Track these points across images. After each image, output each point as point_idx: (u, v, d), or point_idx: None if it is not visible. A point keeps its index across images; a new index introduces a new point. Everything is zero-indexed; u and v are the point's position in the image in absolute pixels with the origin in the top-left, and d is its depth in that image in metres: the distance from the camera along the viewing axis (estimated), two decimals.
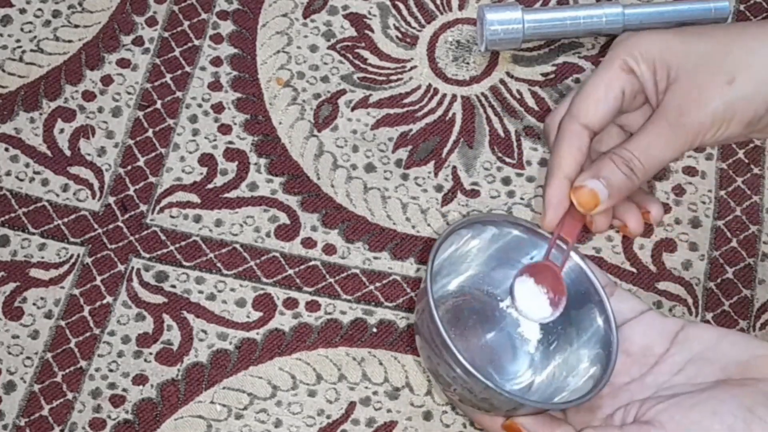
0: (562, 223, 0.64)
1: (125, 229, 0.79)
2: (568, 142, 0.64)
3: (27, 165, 0.81)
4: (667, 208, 0.80)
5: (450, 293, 0.69)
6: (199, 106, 0.83)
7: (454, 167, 0.81)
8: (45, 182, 0.80)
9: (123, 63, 0.84)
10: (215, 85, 0.83)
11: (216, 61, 0.84)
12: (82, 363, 0.75)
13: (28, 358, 0.75)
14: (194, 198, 0.80)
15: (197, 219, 0.79)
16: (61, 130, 0.82)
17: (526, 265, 0.66)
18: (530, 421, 0.62)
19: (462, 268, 0.68)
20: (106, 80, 0.83)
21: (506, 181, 0.81)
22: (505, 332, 0.69)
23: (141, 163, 0.81)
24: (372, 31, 0.86)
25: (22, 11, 0.86)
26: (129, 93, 0.83)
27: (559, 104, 0.68)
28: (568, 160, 0.64)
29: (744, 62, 0.62)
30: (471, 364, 0.60)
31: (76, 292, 0.77)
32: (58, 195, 0.80)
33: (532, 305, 0.65)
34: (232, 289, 0.77)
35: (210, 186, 0.80)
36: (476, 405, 0.63)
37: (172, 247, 0.78)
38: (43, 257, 0.78)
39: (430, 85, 0.84)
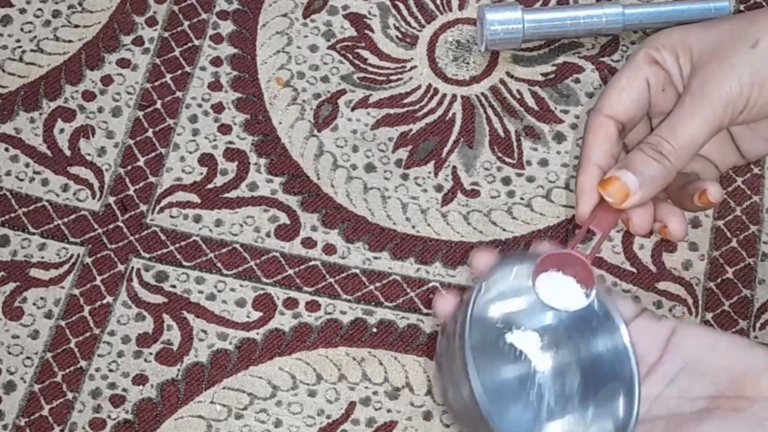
0: (595, 215, 0.61)
1: (125, 229, 0.79)
2: (594, 133, 0.61)
3: (27, 165, 0.81)
4: None
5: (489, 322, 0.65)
6: (199, 106, 0.83)
7: (454, 167, 0.81)
8: (45, 182, 0.80)
9: (123, 63, 0.84)
10: (215, 85, 0.83)
11: (216, 61, 0.84)
12: (82, 363, 0.75)
13: (28, 358, 0.75)
14: (194, 198, 0.80)
15: (197, 219, 0.79)
16: (61, 130, 0.82)
17: (547, 254, 0.60)
18: None
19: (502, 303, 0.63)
20: (106, 80, 0.83)
21: (506, 181, 0.81)
22: (527, 373, 0.66)
23: (141, 163, 0.81)
24: (372, 31, 0.86)
25: (22, 11, 0.86)
26: (129, 93, 0.83)
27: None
28: (595, 149, 0.61)
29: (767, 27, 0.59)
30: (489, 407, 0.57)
31: (76, 292, 0.77)
32: (58, 195, 0.80)
33: (560, 293, 0.60)
34: (232, 289, 0.77)
35: (210, 186, 0.80)
36: None
37: (172, 247, 0.78)
38: (43, 257, 0.78)
39: (430, 85, 0.84)
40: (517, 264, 0.61)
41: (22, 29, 0.85)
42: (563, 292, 0.61)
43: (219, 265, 0.78)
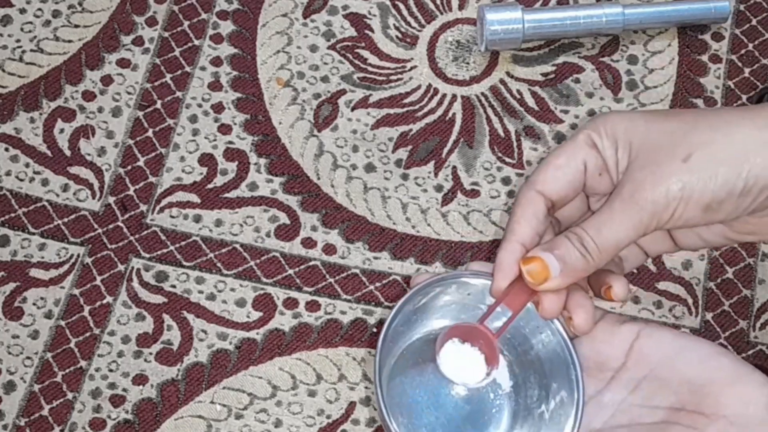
0: (509, 291, 0.60)
1: (125, 229, 0.79)
2: (522, 208, 0.61)
3: (27, 165, 0.81)
4: None
5: (418, 342, 0.66)
6: (199, 106, 0.83)
7: (454, 167, 0.81)
8: (45, 182, 0.80)
9: (123, 63, 0.84)
10: (215, 85, 0.83)
11: (216, 61, 0.84)
12: (82, 363, 0.75)
13: (28, 358, 0.75)
14: (194, 198, 0.80)
15: (197, 219, 0.79)
16: (61, 130, 0.82)
17: (455, 325, 0.61)
18: None
19: (427, 320, 0.64)
20: (106, 80, 0.83)
21: (506, 181, 0.81)
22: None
23: (141, 163, 0.81)
24: (372, 31, 0.86)
25: (22, 11, 0.86)
26: (129, 93, 0.83)
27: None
28: (522, 224, 0.60)
29: (703, 139, 0.58)
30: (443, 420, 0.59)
31: (76, 292, 0.77)
32: (58, 195, 0.80)
33: (462, 366, 0.60)
34: (232, 289, 0.77)
35: (210, 186, 0.80)
36: None
37: (172, 247, 0.78)
38: (43, 257, 0.78)
39: (430, 85, 0.84)
40: (441, 285, 0.62)
41: (22, 29, 0.85)
42: (466, 365, 0.61)
43: (219, 265, 0.78)
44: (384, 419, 0.59)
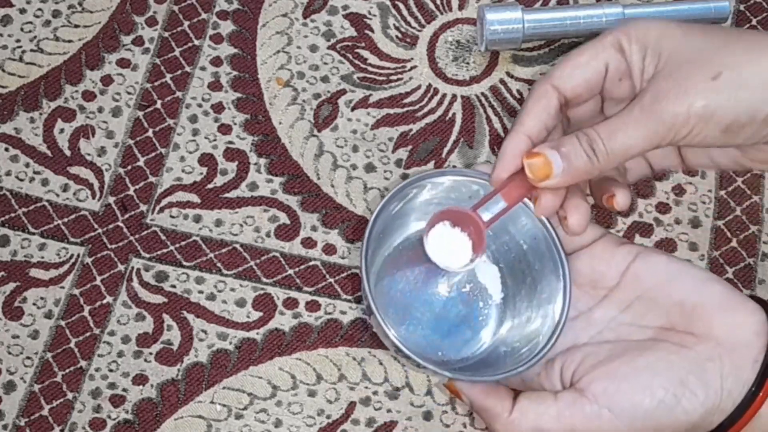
0: (507, 183, 0.60)
1: (125, 229, 0.79)
2: (534, 101, 0.59)
3: (27, 165, 0.81)
4: (667, 208, 0.80)
5: (401, 246, 0.66)
6: (199, 106, 0.83)
7: (454, 167, 0.81)
8: (45, 182, 0.80)
9: (123, 63, 0.84)
10: (215, 85, 0.83)
11: (216, 61, 0.84)
12: (82, 363, 0.75)
13: (28, 358, 0.75)
14: (194, 198, 0.80)
15: (197, 219, 0.79)
16: (61, 130, 0.82)
17: (447, 208, 0.61)
18: (468, 385, 0.61)
19: (411, 221, 0.65)
20: (106, 80, 0.83)
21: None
22: (462, 287, 0.67)
23: (141, 163, 0.81)
24: (372, 31, 0.86)
25: (22, 11, 0.86)
26: (129, 93, 0.83)
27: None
28: (531, 117, 0.59)
29: (736, 60, 0.56)
30: (419, 331, 0.61)
31: (76, 292, 0.77)
32: (58, 195, 0.80)
33: (448, 250, 0.61)
34: (232, 289, 0.77)
35: (210, 186, 0.80)
36: (427, 372, 0.62)
37: (172, 247, 0.78)
38: (43, 257, 0.78)
39: (430, 85, 0.84)
40: (413, 185, 0.63)
41: (22, 29, 0.85)
42: (452, 249, 0.61)
43: (219, 265, 0.78)
44: (374, 312, 0.59)
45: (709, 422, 0.59)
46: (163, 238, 0.78)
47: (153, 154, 0.81)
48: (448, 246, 0.61)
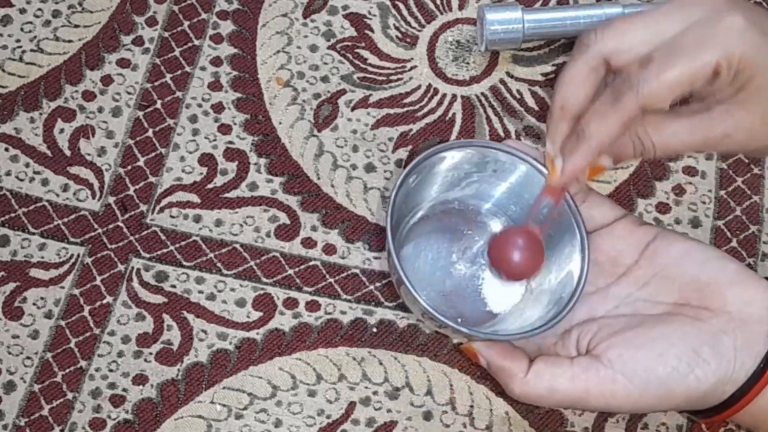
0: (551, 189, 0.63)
1: (125, 229, 0.79)
2: (580, 76, 0.58)
3: (27, 165, 0.81)
4: (667, 208, 0.80)
5: (424, 216, 0.71)
6: (199, 106, 0.83)
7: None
8: (45, 182, 0.80)
9: (123, 63, 0.84)
10: (215, 85, 0.83)
11: (216, 61, 0.84)
12: (82, 363, 0.75)
13: (28, 358, 0.75)
14: (194, 198, 0.80)
15: (197, 219, 0.79)
16: (61, 130, 0.82)
17: (508, 229, 0.67)
18: (485, 346, 0.64)
19: (433, 192, 0.70)
20: (106, 80, 0.83)
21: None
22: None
23: (141, 163, 0.81)
24: (372, 31, 0.86)
25: (22, 11, 0.86)
26: (129, 93, 0.83)
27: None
28: (577, 96, 0.58)
29: None
30: (435, 296, 0.66)
31: (76, 292, 0.77)
32: (58, 195, 0.80)
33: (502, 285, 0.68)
34: (232, 289, 0.77)
35: (210, 186, 0.80)
36: (447, 333, 0.66)
37: (172, 247, 0.78)
38: (43, 257, 0.78)
39: (430, 85, 0.84)
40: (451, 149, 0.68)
41: (22, 29, 0.85)
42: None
43: (219, 265, 0.78)
44: (400, 276, 0.63)
45: (722, 392, 0.60)
46: (163, 238, 0.78)
47: (153, 154, 0.81)
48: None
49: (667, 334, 0.60)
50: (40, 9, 0.86)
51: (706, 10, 0.53)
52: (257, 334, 0.76)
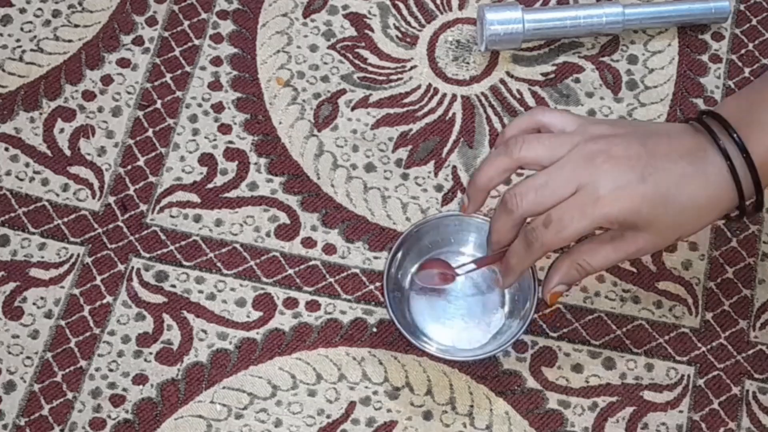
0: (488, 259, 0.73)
1: (125, 229, 0.79)
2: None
3: (27, 165, 0.81)
4: None
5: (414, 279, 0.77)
6: (199, 105, 0.83)
7: (454, 167, 0.81)
8: (45, 182, 0.80)
9: (123, 63, 0.84)
10: (215, 85, 0.83)
11: (216, 61, 0.84)
12: (82, 363, 0.75)
13: (28, 357, 0.75)
14: (194, 198, 0.80)
15: (197, 219, 0.79)
16: (61, 130, 0.82)
17: (430, 263, 0.76)
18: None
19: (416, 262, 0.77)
20: (106, 80, 0.83)
21: (506, 180, 0.80)
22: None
23: (141, 162, 0.81)
24: (372, 30, 0.86)
25: (22, 11, 0.86)
26: (129, 93, 0.83)
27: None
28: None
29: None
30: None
31: (76, 291, 0.77)
32: (58, 195, 0.80)
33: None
34: (232, 289, 0.77)
35: (210, 186, 0.80)
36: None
37: (172, 247, 0.78)
38: (43, 257, 0.78)
39: (430, 85, 0.84)
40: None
41: (22, 29, 0.85)
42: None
43: (219, 264, 0.78)
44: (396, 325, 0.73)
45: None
46: (163, 237, 0.78)
47: (153, 153, 0.81)
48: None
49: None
50: (40, 9, 0.86)
51: (590, 170, 0.67)
52: (257, 333, 0.76)
